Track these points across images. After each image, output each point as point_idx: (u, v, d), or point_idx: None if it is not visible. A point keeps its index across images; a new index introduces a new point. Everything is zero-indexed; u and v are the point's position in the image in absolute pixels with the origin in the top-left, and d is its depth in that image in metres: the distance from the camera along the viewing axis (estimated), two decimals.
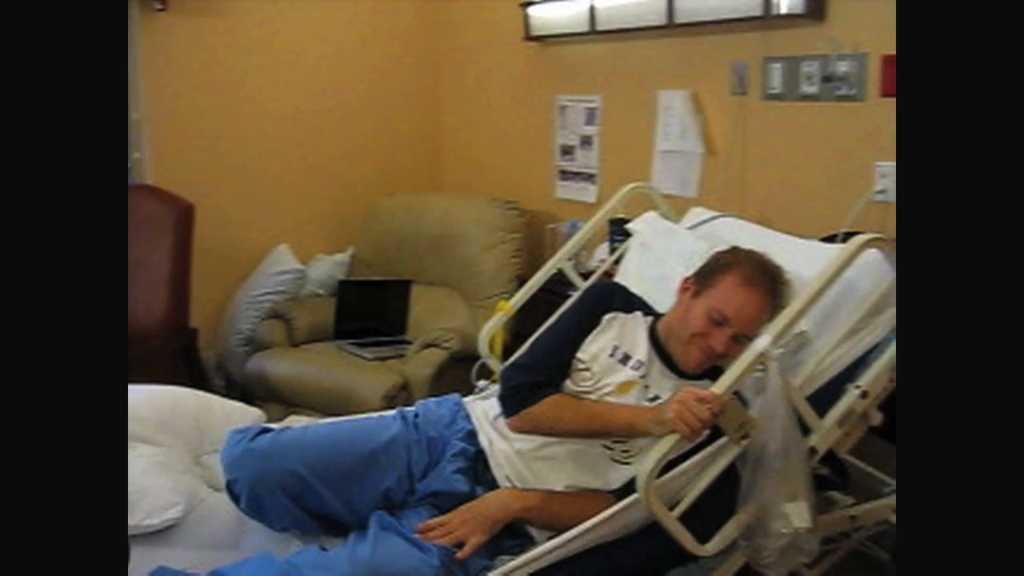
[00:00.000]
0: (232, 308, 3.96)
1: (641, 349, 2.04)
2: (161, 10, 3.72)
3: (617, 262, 2.71)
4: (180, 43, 3.83)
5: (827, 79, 2.72)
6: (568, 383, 2.04)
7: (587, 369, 2.04)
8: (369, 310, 3.73)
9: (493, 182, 4.19)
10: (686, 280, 2.07)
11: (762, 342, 1.81)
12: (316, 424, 2.08)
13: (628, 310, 2.11)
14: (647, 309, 2.14)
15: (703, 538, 1.87)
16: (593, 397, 2.01)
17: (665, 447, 1.74)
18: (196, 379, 3.22)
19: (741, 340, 1.93)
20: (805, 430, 1.93)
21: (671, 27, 3.14)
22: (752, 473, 1.82)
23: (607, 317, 2.09)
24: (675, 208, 2.77)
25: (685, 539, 1.84)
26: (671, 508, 1.83)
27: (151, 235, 3.25)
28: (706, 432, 1.80)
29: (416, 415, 2.08)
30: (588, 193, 3.69)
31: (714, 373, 1.94)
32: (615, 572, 1.87)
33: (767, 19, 2.82)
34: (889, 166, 2.60)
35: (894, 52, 2.53)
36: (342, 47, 4.25)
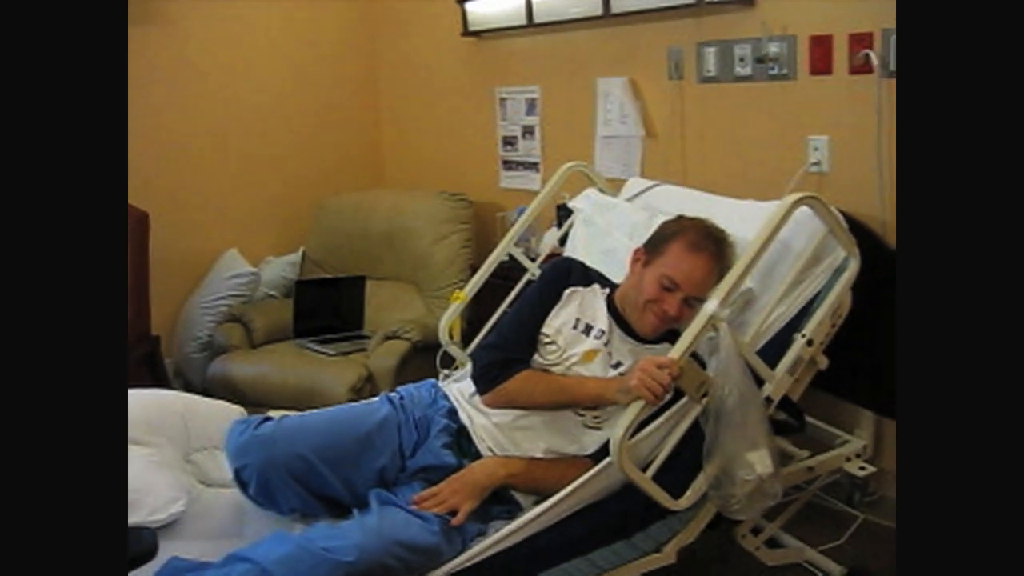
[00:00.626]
0: (187, 315, 3.99)
1: (601, 319, 2.15)
2: None
3: (564, 242, 2.82)
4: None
5: (759, 60, 2.87)
6: (536, 357, 2.15)
7: (553, 343, 2.14)
8: (326, 308, 3.79)
9: (437, 176, 4.28)
10: (636, 251, 2.19)
11: (711, 306, 1.93)
12: (311, 412, 2.16)
13: (587, 283, 2.22)
14: (604, 281, 2.25)
15: (676, 493, 2.00)
16: (560, 368, 2.12)
17: (632, 413, 1.86)
18: (160, 385, 3.25)
19: (692, 303, 2.05)
20: (759, 382, 2.06)
21: (607, 17, 3.26)
22: (714, 428, 1.94)
23: (567, 292, 2.20)
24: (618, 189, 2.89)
25: (660, 496, 1.97)
26: (644, 468, 1.96)
27: None
28: (668, 395, 1.91)
29: (401, 397, 2.19)
30: (533, 181, 3.81)
31: (672, 337, 2.06)
32: (602, 530, 2.00)
33: (700, 6, 2.96)
34: (821, 139, 2.76)
35: (821, 33, 2.70)
36: (280, 50, 4.30)
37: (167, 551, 1.84)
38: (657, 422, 2.02)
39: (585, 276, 2.25)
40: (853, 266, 2.16)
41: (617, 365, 2.11)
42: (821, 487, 2.69)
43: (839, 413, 2.66)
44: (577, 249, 2.64)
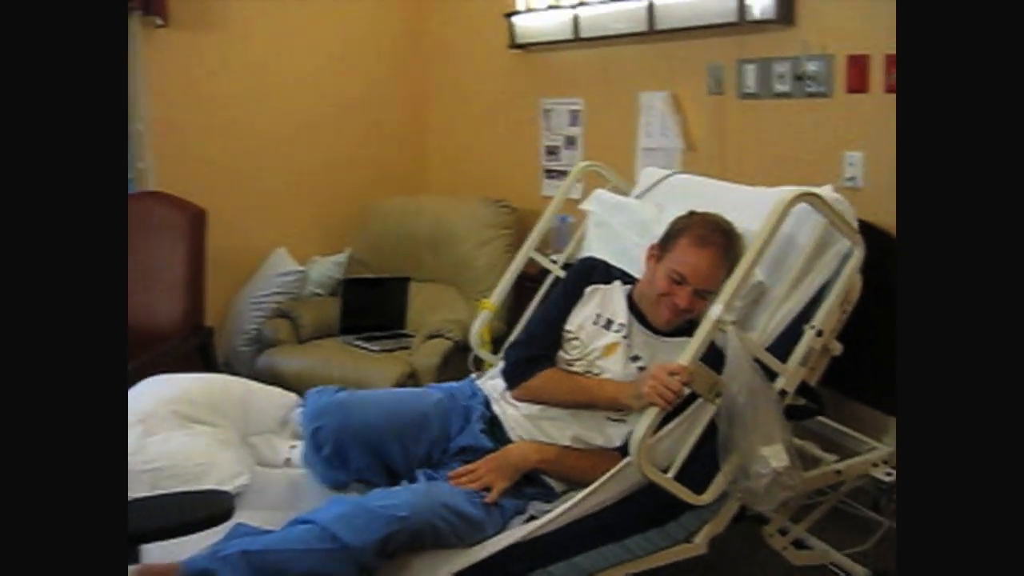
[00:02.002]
0: (237, 309, 4.15)
1: (621, 314, 2.27)
2: (162, 26, 3.91)
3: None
4: (179, 57, 4.02)
5: (798, 78, 2.97)
6: (561, 353, 2.28)
7: (576, 338, 2.28)
8: (371, 306, 3.93)
9: (481, 183, 4.41)
10: (651, 247, 2.30)
11: (715, 310, 2.01)
12: (375, 390, 2.33)
13: (608, 281, 2.35)
14: (626, 278, 2.37)
15: (700, 488, 2.10)
16: (584, 363, 2.25)
17: (648, 419, 1.97)
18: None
19: (704, 295, 2.16)
20: (772, 376, 2.14)
21: (651, 33, 3.38)
22: (728, 426, 2.04)
23: (588, 289, 2.33)
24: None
25: (682, 493, 2.08)
26: (668, 465, 2.07)
27: (166, 240, 3.44)
28: (680, 399, 2.01)
29: (449, 389, 2.35)
30: (574, 190, 3.90)
31: (690, 329, 2.16)
32: (635, 518, 2.13)
33: (741, 24, 3.06)
34: (856, 155, 2.85)
35: (859, 53, 2.80)
36: (333, 58, 4.46)
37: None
38: (675, 422, 2.13)
39: (607, 274, 2.38)
40: (858, 254, 2.22)
41: (636, 358, 2.23)
42: (848, 493, 2.77)
43: (867, 420, 2.74)
44: (593, 251, 2.72)
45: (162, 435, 2.11)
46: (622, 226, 2.63)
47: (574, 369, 2.26)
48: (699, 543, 2.19)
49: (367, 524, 1.84)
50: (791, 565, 2.70)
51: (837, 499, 2.74)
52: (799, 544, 2.76)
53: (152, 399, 2.27)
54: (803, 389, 2.24)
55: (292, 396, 2.54)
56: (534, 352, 2.28)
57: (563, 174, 3.99)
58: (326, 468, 2.17)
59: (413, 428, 2.19)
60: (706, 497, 2.11)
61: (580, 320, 2.30)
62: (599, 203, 2.77)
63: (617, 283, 2.34)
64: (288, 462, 2.27)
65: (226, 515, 1.48)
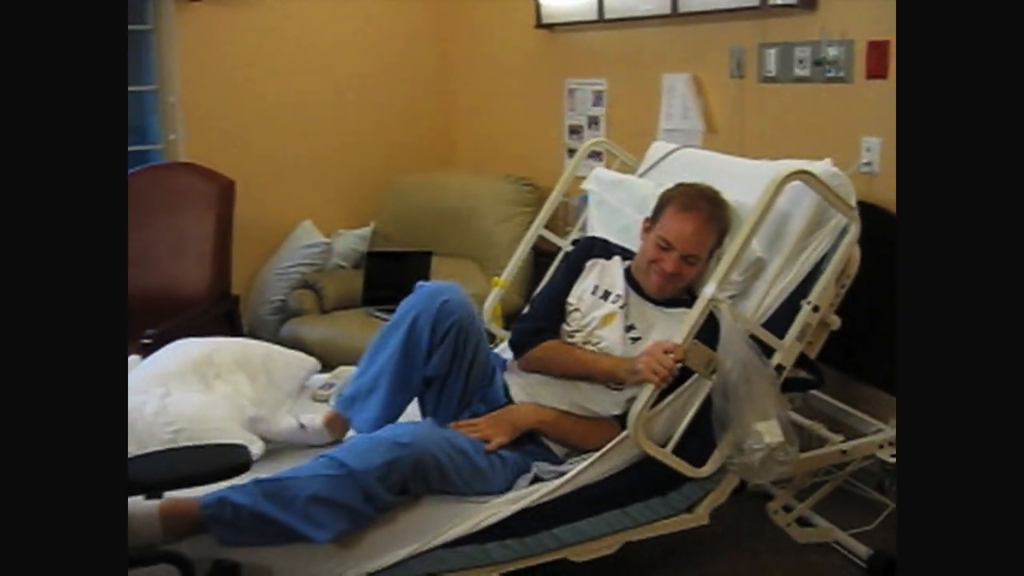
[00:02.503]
0: (262, 279, 4.24)
1: (619, 285, 2.37)
2: (196, 1, 3.98)
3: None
4: (212, 32, 4.09)
5: (818, 63, 3.00)
6: (564, 325, 2.38)
7: (576, 309, 2.38)
8: (393, 279, 3.99)
9: (504, 160, 4.47)
10: (644, 220, 2.39)
11: (709, 289, 2.07)
12: None
13: (607, 256, 2.45)
14: (626, 254, 2.45)
15: (699, 462, 2.18)
16: (584, 333, 2.34)
17: (645, 396, 2.05)
18: None
19: (691, 260, 2.26)
20: (770, 352, 2.19)
21: (674, 16, 3.41)
22: (723, 401, 2.10)
23: (588, 264, 2.45)
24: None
25: (681, 466, 2.17)
26: (666, 439, 2.15)
27: (196, 209, 3.54)
28: (675, 375, 2.08)
29: None
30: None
31: (689, 300, 2.24)
32: (638, 486, 2.21)
33: (763, 8, 3.09)
34: (874, 140, 2.88)
35: (879, 39, 2.82)
36: (361, 34, 4.52)
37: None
38: (672, 396, 2.20)
39: (606, 250, 2.48)
40: (854, 230, 2.25)
41: (631, 328, 2.31)
42: (853, 473, 2.81)
43: (874, 401, 2.79)
44: (596, 229, 2.78)
45: (183, 395, 2.20)
46: (621, 203, 2.69)
47: (574, 340, 2.35)
48: (700, 513, 2.26)
49: (370, 450, 1.96)
50: (796, 542, 2.76)
51: (842, 479, 2.79)
52: (803, 522, 2.81)
53: (176, 360, 2.36)
54: (803, 361, 2.29)
55: (312, 360, 2.63)
56: (538, 324, 2.38)
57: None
58: (437, 349, 2.22)
59: (490, 356, 2.35)
60: (705, 470, 2.18)
61: (580, 292, 2.40)
62: (598, 182, 2.83)
63: (617, 258, 2.43)
64: (303, 428, 2.29)
65: (244, 467, 1.57)
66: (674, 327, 2.18)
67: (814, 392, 3.03)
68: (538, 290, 2.62)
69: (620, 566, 2.62)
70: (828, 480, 2.76)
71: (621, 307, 2.33)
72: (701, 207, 2.26)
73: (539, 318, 2.41)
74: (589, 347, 2.32)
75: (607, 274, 2.41)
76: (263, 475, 1.93)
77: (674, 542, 2.74)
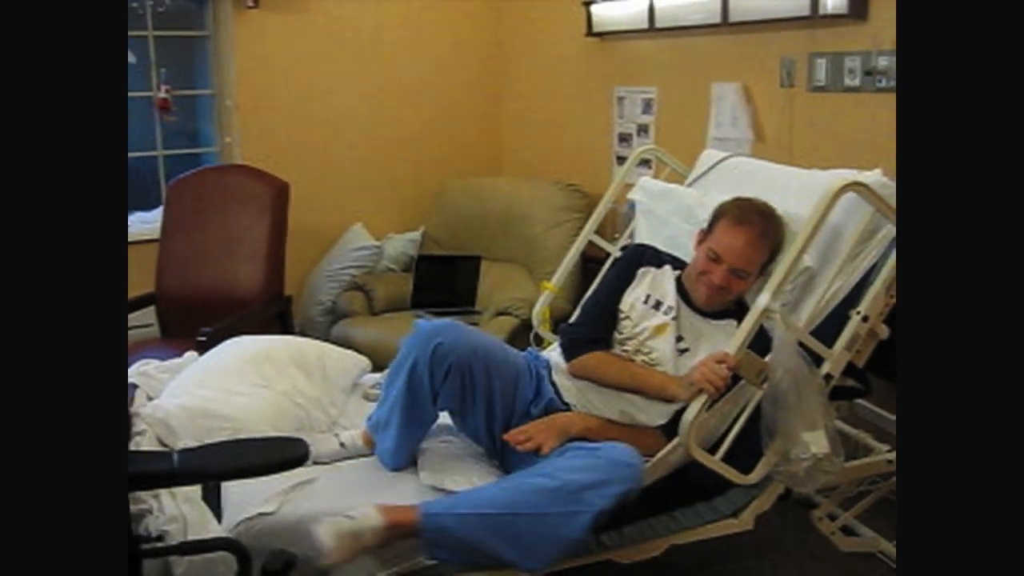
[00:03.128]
0: (313, 281, 4.33)
1: (670, 296, 2.37)
2: (252, 7, 4.09)
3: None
4: (269, 37, 4.20)
5: (868, 73, 3.00)
6: (615, 332, 2.39)
7: (627, 318, 2.39)
8: (442, 282, 4.06)
9: (554, 167, 4.51)
10: (699, 231, 2.39)
11: (763, 299, 2.08)
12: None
13: (658, 265, 2.45)
14: (676, 263, 2.46)
15: (747, 468, 2.19)
16: (634, 342, 2.35)
17: (698, 404, 2.06)
18: None
19: (740, 274, 2.25)
20: (819, 361, 2.18)
21: (725, 25, 3.43)
22: (772, 409, 2.11)
23: (640, 272, 2.44)
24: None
25: (729, 473, 2.18)
26: (715, 445, 2.16)
27: (251, 211, 3.62)
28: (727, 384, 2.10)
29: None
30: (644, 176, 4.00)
31: (739, 312, 2.25)
32: (684, 491, 2.25)
33: (814, 18, 3.10)
34: None
35: None
36: (414, 41, 4.60)
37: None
38: (721, 402, 2.20)
39: (657, 258, 2.48)
40: None
41: (680, 339, 2.32)
42: None
43: None
44: (643, 238, 2.78)
45: (240, 391, 2.26)
46: (668, 213, 2.70)
47: (626, 348, 2.36)
48: (746, 519, 2.27)
49: (604, 483, 1.99)
50: (840, 551, 2.76)
51: (888, 489, 2.78)
52: (848, 531, 2.82)
53: (233, 357, 2.43)
54: (851, 370, 2.28)
55: (364, 359, 2.68)
56: (592, 333, 2.39)
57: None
58: (440, 390, 2.21)
59: (514, 372, 2.31)
60: (752, 477, 2.19)
61: (631, 300, 2.40)
62: (644, 192, 2.85)
63: (668, 267, 2.44)
64: (342, 447, 2.32)
65: (301, 460, 1.61)
66: (722, 339, 2.20)
67: (861, 401, 3.04)
68: (588, 295, 2.63)
69: (664, 570, 2.65)
70: (874, 490, 2.76)
71: (673, 318, 2.34)
72: (754, 222, 2.26)
73: (592, 326, 2.42)
74: (640, 356, 2.33)
75: (659, 284, 2.41)
76: (486, 507, 1.99)
77: (718, 547, 2.75)
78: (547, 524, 1.96)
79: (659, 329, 2.33)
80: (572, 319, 2.58)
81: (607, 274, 2.58)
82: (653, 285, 2.41)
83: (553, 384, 2.38)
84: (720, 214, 2.33)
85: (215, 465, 1.59)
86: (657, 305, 2.37)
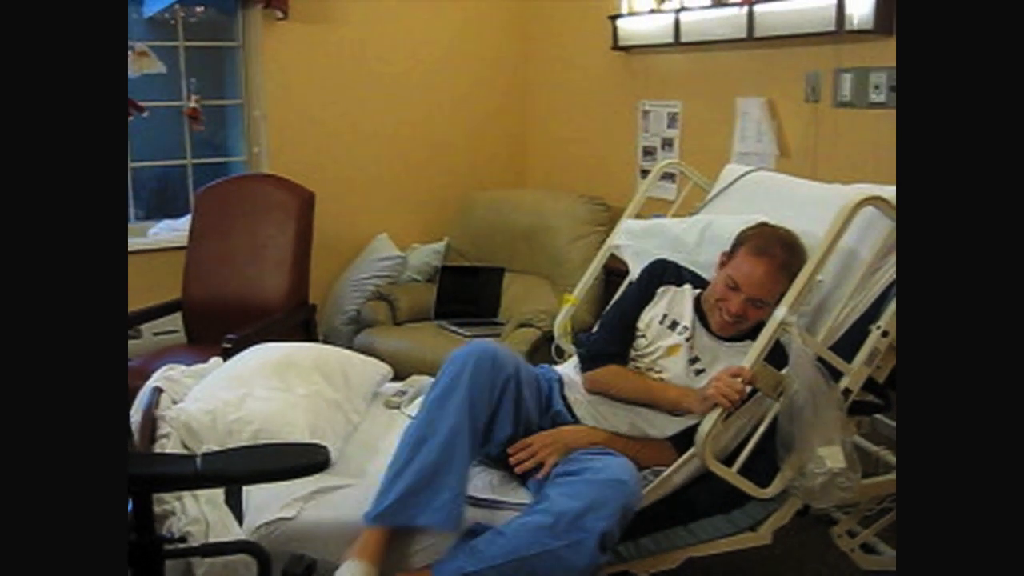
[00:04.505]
0: (337, 290, 4.37)
1: (687, 316, 2.36)
2: (282, 19, 4.14)
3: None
4: (296, 49, 4.25)
5: (894, 89, 3.00)
6: (631, 348, 2.39)
7: (643, 336, 2.38)
8: (465, 293, 4.09)
9: (578, 180, 4.53)
10: (722, 254, 2.36)
11: (780, 312, 2.07)
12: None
13: (679, 283, 2.44)
14: (697, 281, 2.44)
15: (764, 482, 2.17)
16: (648, 360, 2.35)
17: (713, 417, 2.06)
18: None
19: (758, 304, 2.23)
20: (837, 376, 2.17)
21: (750, 40, 3.44)
22: (787, 424, 2.10)
23: (660, 290, 2.43)
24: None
25: (746, 487, 2.16)
26: (731, 457, 2.15)
27: (277, 220, 3.66)
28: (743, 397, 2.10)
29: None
30: (669, 191, 4.00)
31: (755, 335, 2.20)
32: (702, 504, 2.23)
33: (839, 33, 3.10)
34: None
35: None
36: (440, 53, 4.64)
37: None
38: (734, 416, 2.18)
39: (678, 276, 2.47)
40: None
41: (694, 360, 2.32)
42: None
43: None
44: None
45: (263, 395, 2.29)
46: (658, 248, 2.68)
47: (637, 365, 2.37)
48: (763, 533, 2.25)
49: (603, 504, 1.98)
50: (859, 569, 2.75)
51: None
52: (868, 548, 2.81)
53: (256, 362, 2.46)
54: (870, 385, 2.26)
55: (386, 367, 2.71)
56: (608, 347, 2.39)
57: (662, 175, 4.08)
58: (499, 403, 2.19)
59: (536, 384, 2.32)
60: (770, 491, 2.17)
61: (648, 318, 2.40)
62: (629, 234, 2.84)
63: (687, 286, 2.43)
64: None
65: (322, 466, 1.63)
66: (739, 361, 2.19)
67: (881, 417, 3.02)
68: (608, 309, 2.63)
69: None
70: (894, 507, 2.75)
71: (687, 340, 2.33)
72: (775, 253, 2.23)
73: (610, 340, 2.41)
74: (652, 375, 2.34)
75: (676, 303, 2.40)
76: (495, 558, 1.99)
77: (736, 563, 2.75)
78: (556, 558, 1.96)
79: (672, 350, 2.34)
80: (592, 332, 2.59)
81: (628, 289, 2.57)
82: (671, 305, 2.40)
83: (564, 399, 2.38)
84: (742, 240, 2.31)
85: (237, 469, 1.61)
86: (673, 325, 2.37)
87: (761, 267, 2.23)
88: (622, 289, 2.85)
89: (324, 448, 1.67)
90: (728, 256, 2.33)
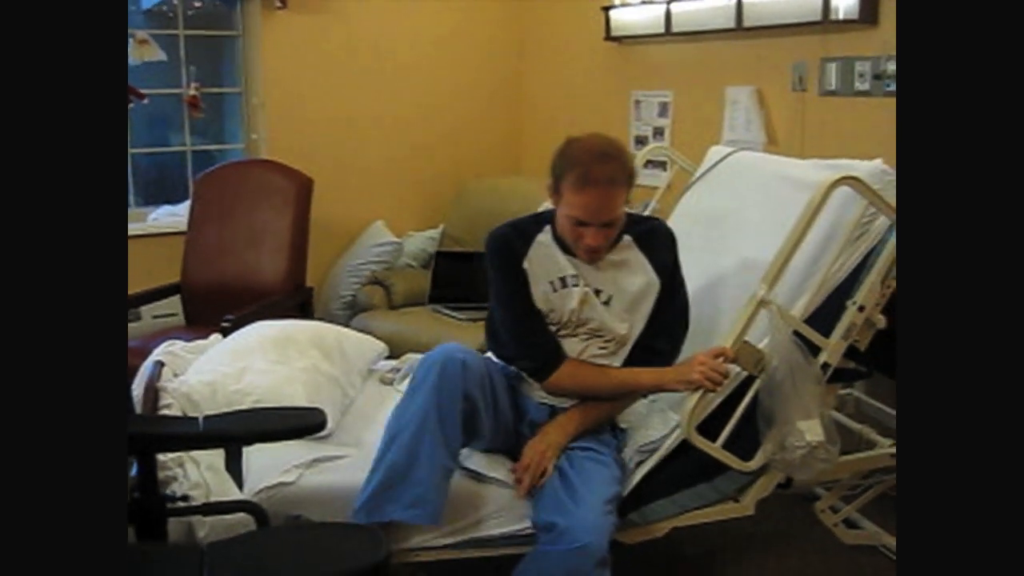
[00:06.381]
0: (334, 275, 4.43)
1: (566, 265, 2.25)
2: (281, 8, 4.20)
3: None
4: (296, 38, 4.31)
5: (877, 77, 3.07)
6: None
7: (552, 311, 2.27)
8: (460, 279, 4.16)
9: None
10: (548, 187, 2.21)
11: (760, 291, 2.12)
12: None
13: (529, 243, 2.28)
14: (539, 222, 2.31)
15: (747, 455, 2.24)
16: (570, 328, 2.28)
17: (696, 395, 2.11)
18: None
19: (611, 223, 2.14)
20: (815, 350, 2.23)
21: (739, 30, 3.51)
22: (767, 399, 2.17)
23: (525, 266, 2.26)
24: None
25: (730, 460, 2.23)
26: (712, 430, 2.19)
27: (275, 204, 3.73)
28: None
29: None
30: (660, 179, 4.06)
31: (630, 227, 2.26)
32: (684, 472, 2.28)
33: (825, 23, 3.18)
34: None
35: None
36: (436, 43, 4.70)
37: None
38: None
39: (524, 236, 2.30)
40: None
41: (599, 292, 2.26)
42: None
43: None
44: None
45: (262, 368, 2.36)
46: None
47: (574, 336, 2.30)
48: (747, 504, 2.31)
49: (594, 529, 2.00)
50: (843, 545, 2.82)
51: (890, 484, 2.82)
52: (851, 524, 2.87)
53: (255, 337, 2.53)
54: (852, 353, 2.31)
55: (381, 344, 2.78)
56: (545, 348, 2.27)
57: (651, 163, 4.13)
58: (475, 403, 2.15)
59: (505, 389, 2.29)
60: (752, 464, 2.24)
61: (541, 295, 2.27)
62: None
63: (539, 236, 2.29)
64: None
65: (319, 427, 1.71)
66: (631, 268, 2.24)
67: (865, 397, 3.10)
68: (498, 312, 2.38)
69: (670, 562, 2.73)
70: (876, 484, 2.80)
71: (585, 285, 2.25)
72: (597, 177, 2.09)
73: (537, 336, 2.27)
74: (582, 332, 2.29)
75: (548, 262, 2.27)
76: None
77: (723, 540, 2.83)
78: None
79: (583, 301, 2.25)
80: (503, 341, 2.37)
81: (497, 284, 2.33)
82: (546, 268, 2.27)
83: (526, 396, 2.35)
84: (560, 174, 2.16)
85: (238, 429, 1.69)
86: (563, 282, 2.26)
87: (593, 197, 2.11)
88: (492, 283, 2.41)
89: (321, 411, 1.75)
90: (555, 191, 2.19)
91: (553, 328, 2.29)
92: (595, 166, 2.10)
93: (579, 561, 1.96)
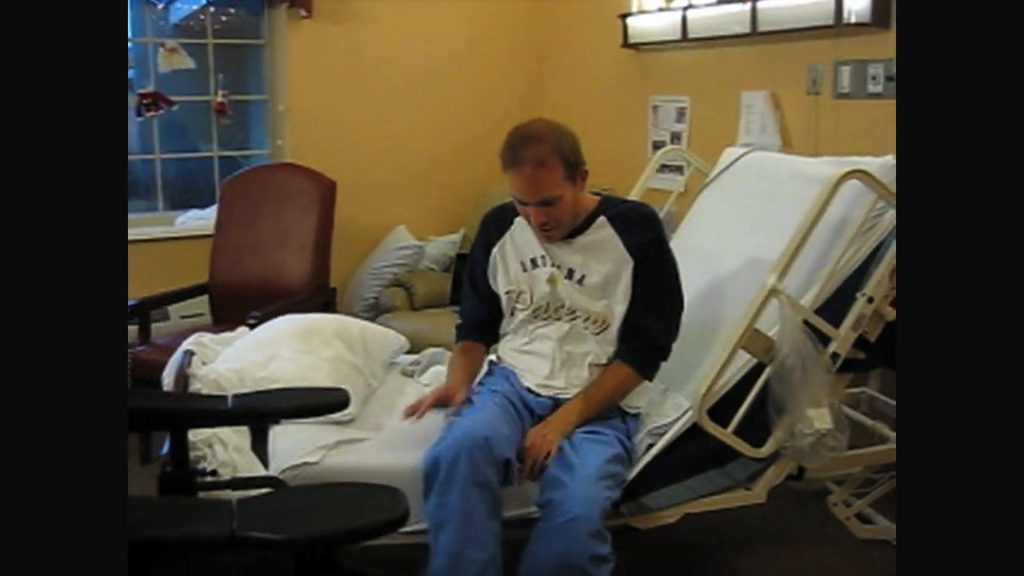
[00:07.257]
0: (357, 277, 4.53)
1: (536, 247, 2.35)
2: (306, 17, 4.31)
3: None
4: (320, 46, 4.42)
5: (890, 79, 3.12)
6: (518, 314, 2.39)
7: (521, 292, 2.36)
8: None
9: (590, 173, 4.58)
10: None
11: (770, 280, 2.17)
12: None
13: (507, 227, 2.42)
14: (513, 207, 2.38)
15: (758, 442, 2.28)
16: (544, 309, 2.34)
17: (709, 380, 2.16)
18: None
19: (550, 201, 2.19)
20: (825, 340, 2.27)
21: (754, 35, 3.57)
22: (777, 387, 2.22)
23: (495, 251, 2.41)
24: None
25: (741, 447, 2.28)
26: (723, 416, 2.23)
27: (300, 207, 3.82)
28: None
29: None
30: (677, 183, 4.12)
31: (603, 207, 2.34)
32: (697, 458, 2.33)
33: (838, 27, 3.23)
34: None
35: None
36: (457, 51, 4.80)
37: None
38: (727, 377, 2.29)
39: (500, 220, 2.45)
40: None
41: (571, 273, 2.31)
42: None
43: None
44: None
45: (288, 356, 2.43)
46: None
47: (544, 323, 2.36)
48: (759, 491, 2.35)
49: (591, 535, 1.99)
50: (856, 539, 2.86)
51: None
52: (863, 519, 2.91)
53: (280, 329, 2.61)
54: (861, 343, 2.36)
55: (402, 338, 2.85)
56: (469, 315, 2.47)
57: (668, 167, 4.19)
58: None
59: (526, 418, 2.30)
60: (763, 451, 2.29)
61: (513, 276, 2.37)
62: None
63: (518, 220, 2.39)
64: None
65: (342, 405, 1.78)
66: (603, 248, 2.28)
67: (878, 395, 3.14)
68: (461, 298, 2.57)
69: (681, 552, 2.77)
70: (888, 478, 2.83)
71: (554, 265, 2.33)
72: (522, 157, 2.19)
73: (470, 307, 2.48)
74: (564, 315, 2.33)
75: (520, 244, 2.38)
76: None
77: (735, 532, 2.87)
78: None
79: (553, 280, 2.33)
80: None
81: (470, 256, 2.54)
82: (517, 250, 2.38)
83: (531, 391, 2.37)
84: (502, 159, 2.28)
85: (265, 406, 1.77)
86: (533, 263, 2.35)
87: (521, 177, 2.20)
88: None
89: (344, 391, 1.82)
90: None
91: (530, 313, 2.35)
92: (520, 148, 2.22)
93: (572, 533, 1.98)
